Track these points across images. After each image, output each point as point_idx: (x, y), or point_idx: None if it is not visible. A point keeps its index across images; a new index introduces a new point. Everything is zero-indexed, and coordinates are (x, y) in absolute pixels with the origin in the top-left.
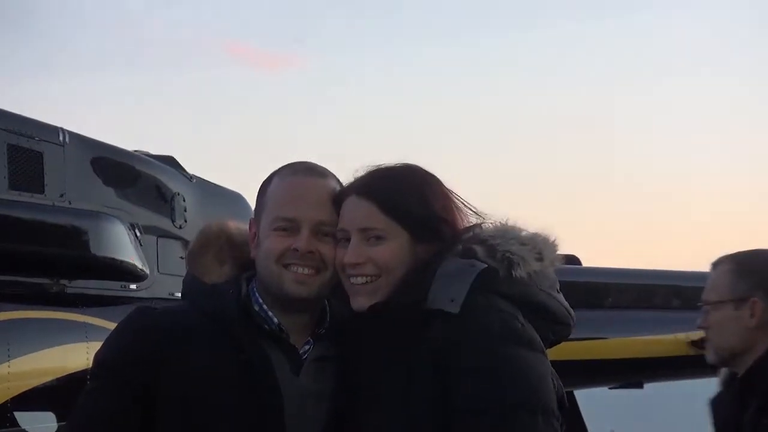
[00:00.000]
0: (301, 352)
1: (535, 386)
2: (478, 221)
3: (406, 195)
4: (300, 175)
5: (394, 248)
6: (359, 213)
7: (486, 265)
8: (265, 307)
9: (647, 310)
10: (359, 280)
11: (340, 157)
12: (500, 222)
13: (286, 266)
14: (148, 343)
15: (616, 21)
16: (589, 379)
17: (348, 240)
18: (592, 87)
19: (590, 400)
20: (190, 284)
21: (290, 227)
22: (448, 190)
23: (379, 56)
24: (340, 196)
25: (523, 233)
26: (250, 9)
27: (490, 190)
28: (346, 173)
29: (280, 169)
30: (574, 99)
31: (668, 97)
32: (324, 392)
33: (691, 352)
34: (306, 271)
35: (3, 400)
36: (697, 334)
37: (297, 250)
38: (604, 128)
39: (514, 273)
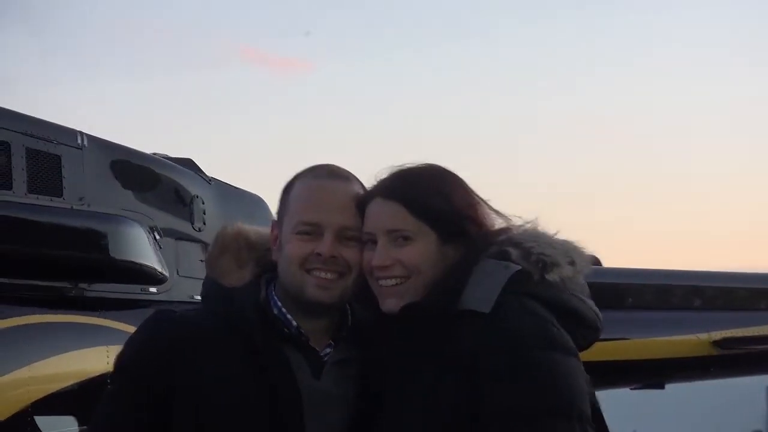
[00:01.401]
0: (321, 354)
1: (570, 392)
2: (503, 223)
3: (432, 195)
4: (322, 178)
5: (422, 249)
6: (385, 215)
7: (520, 267)
8: (284, 310)
9: (669, 311)
10: (388, 282)
11: (357, 157)
12: (529, 225)
13: (308, 271)
14: (165, 347)
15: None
16: (610, 380)
17: (374, 242)
18: (617, 83)
19: (612, 400)
20: (209, 287)
21: (313, 231)
22: (472, 190)
23: (393, 57)
24: (364, 198)
25: (555, 238)
26: (262, 12)
27: (507, 192)
28: (363, 175)
29: (302, 171)
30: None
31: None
32: (345, 395)
33: (714, 352)
34: (329, 275)
35: (24, 405)
36: (719, 334)
37: (320, 255)
38: (626, 126)
39: (547, 276)
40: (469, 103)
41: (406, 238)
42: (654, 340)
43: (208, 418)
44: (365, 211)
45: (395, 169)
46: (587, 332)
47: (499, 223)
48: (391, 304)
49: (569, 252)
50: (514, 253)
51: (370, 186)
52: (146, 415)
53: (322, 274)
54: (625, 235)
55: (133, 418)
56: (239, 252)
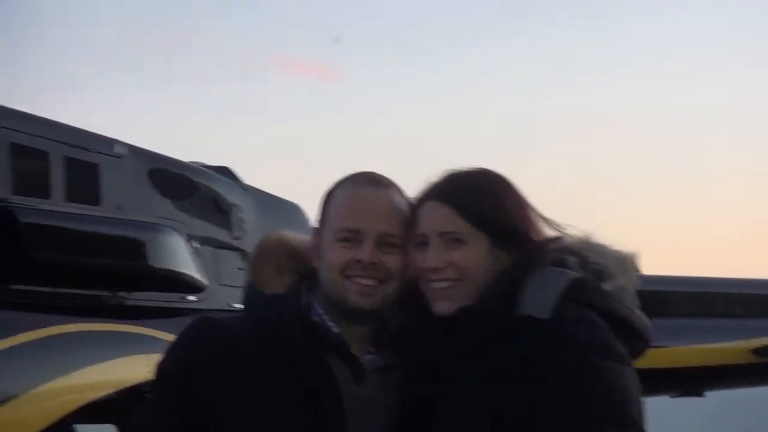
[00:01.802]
0: (362, 361)
1: (625, 401)
2: (554, 231)
3: (484, 199)
4: (363, 186)
5: (474, 252)
6: (438, 217)
7: (578, 275)
8: (324, 317)
9: (709, 318)
10: (441, 284)
11: (392, 163)
12: (583, 235)
13: (349, 277)
14: (206, 354)
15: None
16: (649, 388)
17: (425, 245)
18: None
19: (651, 408)
20: (250, 294)
21: (353, 238)
22: (524, 197)
23: (423, 64)
24: (416, 201)
25: (609, 248)
26: (295, 21)
27: (548, 199)
28: (400, 182)
29: (342, 179)
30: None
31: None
32: (386, 402)
33: (754, 360)
34: (369, 282)
35: (64, 413)
36: (759, 342)
37: (360, 262)
38: (673, 129)
39: (603, 286)
40: (502, 106)
41: (459, 241)
42: (693, 347)
43: (248, 425)
44: (417, 214)
45: (449, 173)
46: (637, 343)
47: (550, 232)
48: (443, 306)
49: (622, 262)
50: (571, 260)
51: (423, 189)
52: (185, 422)
53: (363, 281)
54: (665, 241)
55: (172, 425)
56: (281, 259)
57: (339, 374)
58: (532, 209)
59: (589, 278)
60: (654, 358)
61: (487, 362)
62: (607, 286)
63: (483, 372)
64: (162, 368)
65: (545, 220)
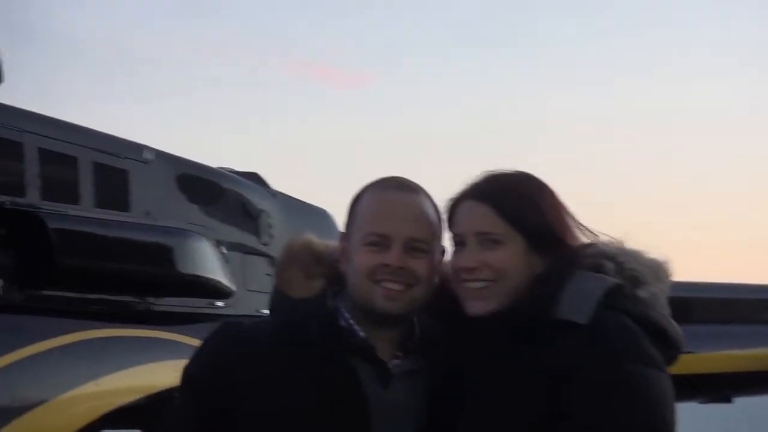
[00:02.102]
0: (389, 366)
1: (662, 408)
2: (590, 236)
3: (522, 201)
4: (391, 190)
5: (510, 253)
6: (475, 217)
7: (616, 281)
8: (351, 321)
9: (736, 324)
10: (475, 284)
11: (418, 171)
12: (616, 242)
13: (376, 281)
14: (232, 359)
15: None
16: (677, 394)
17: (461, 244)
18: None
19: (680, 414)
20: (276, 299)
21: (381, 243)
22: (562, 201)
23: (452, 73)
24: (454, 201)
25: (643, 254)
26: (325, 29)
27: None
28: (427, 186)
29: (370, 184)
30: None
31: None
32: (413, 406)
33: None
34: (397, 286)
35: (92, 419)
36: None
37: (388, 266)
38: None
39: (638, 292)
40: (537, 109)
41: (495, 242)
42: (721, 354)
43: (274, 429)
44: (454, 214)
45: (487, 174)
46: (670, 352)
47: (585, 238)
48: (476, 307)
49: (656, 269)
50: (608, 266)
51: (461, 189)
52: (212, 427)
53: (390, 285)
54: (693, 247)
55: (196, 427)
56: (307, 264)
57: (365, 378)
58: (569, 214)
59: (626, 284)
60: (682, 364)
61: (522, 366)
62: (642, 292)
63: (517, 376)
64: (188, 373)
65: (580, 225)
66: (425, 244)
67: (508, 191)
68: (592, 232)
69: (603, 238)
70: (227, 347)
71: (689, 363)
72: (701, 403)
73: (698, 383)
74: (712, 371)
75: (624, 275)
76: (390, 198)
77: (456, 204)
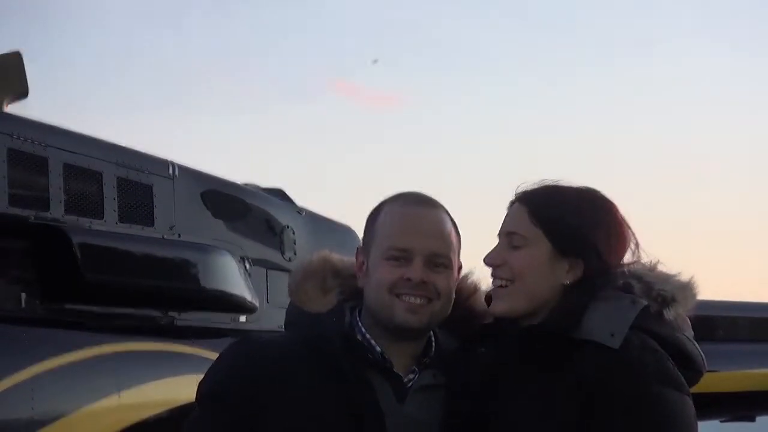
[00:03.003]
0: (405, 380)
1: (683, 429)
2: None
3: (561, 206)
4: (412, 205)
5: (532, 255)
6: (511, 217)
7: (645, 303)
8: (368, 336)
9: (759, 343)
10: (496, 282)
11: (442, 192)
12: (650, 261)
13: (398, 295)
14: (251, 373)
15: None
16: (700, 412)
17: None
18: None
19: None
20: (293, 313)
21: (402, 257)
22: (621, 221)
23: (481, 93)
24: (510, 202)
25: (672, 275)
26: (353, 48)
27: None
28: (453, 208)
29: (389, 198)
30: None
31: None
32: (430, 420)
33: None
34: (418, 300)
35: None
36: None
37: (410, 280)
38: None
39: (665, 314)
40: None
41: (521, 242)
42: (744, 372)
43: None
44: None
45: (547, 182)
46: (692, 374)
47: (634, 259)
48: (495, 306)
49: (683, 290)
50: (636, 286)
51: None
52: None
53: (411, 299)
54: (718, 266)
55: None
56: (324, 279)
57: (382, 393)
58: (620, 234)
59: (653, 306)
60: (705, 382)
61: (550, 385)
62: (668, 314)
63: (545, 394)
64: (205, 389)
65: (636, 248)
66: (446, 259)
67: (551, 196)
68: (641, 255)
69: (643, 259)
70: (245, 362)
71: (712, 381)
72: (723, 421)
73: (721, 402)
74: (735, 390)
75: (651, 296)
76: (411, 213)
77: (510, 205)
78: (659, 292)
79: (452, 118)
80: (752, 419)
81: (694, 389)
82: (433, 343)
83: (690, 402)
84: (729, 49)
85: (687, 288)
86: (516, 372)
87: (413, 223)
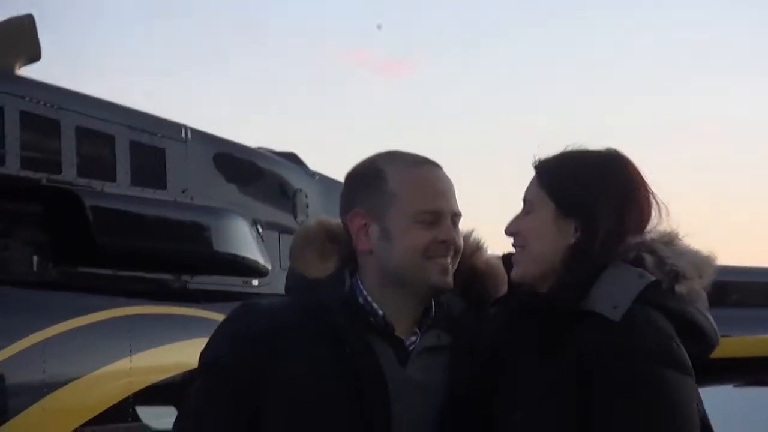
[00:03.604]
0: (407, 343)
1: (682, 412)
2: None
3: (568, 168)
4: (427, 166)
5: (537, 218)
6: (529, 186)
7: (655, 278)
8: (369, 299)
9: None
10: (514, 249)
11: (454, 161)
12: (667, 231)
13: (429, 258)
14: (252, 340)
15: None
16: (713, 377)
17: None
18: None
19: (716, 400)
20: (293, 279)
21: (434, 219)
22: (636, 184)
23: (494, 65)
24: None
25: (690, 248)
26: (368, 17)
27: None
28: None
29: (391, 159)
30: None
31: None
32: (432, 383)
33: None
34: (448, 261)
35: (125, 396)
36: None
37: (444, 242)
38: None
39: (677, 288)
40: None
41: (530, 207)
42: (758, 338)
43: (297, 410)
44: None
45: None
46: (703, 347)
47: (655, 224)
48: (512, 273)
49: (700, 265)
50: (648, 259)
51: None
52: (234, 410)
53: (443, 261)
54: (729, 231)
55: (222, 413)
56: (323, 244)
57: (383, 356)
58: (640, 199)
59: (665, 280)
60: (720, 347)
61: (549, 360)
62: (680, 288)
63: (544, 369)
64: (206, 358)
65: (659, 211)
66: (460, 218)
67: (562, 160)
68: (663, 223)
69: (660, 229)
70: (246, 330)
71: (726, 347)
72: (737, 386)
73: (734, 367)
74: (748, 355)
75: (664, 270)
76: (431, 174)
77: None
78: (672, 267)
79: (463, 84)
80: (766, 384)
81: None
82: (433, 304)
83: (691, 382)
84: None
85: (704, 265)
86: (521, 343)
87: (436, 184)
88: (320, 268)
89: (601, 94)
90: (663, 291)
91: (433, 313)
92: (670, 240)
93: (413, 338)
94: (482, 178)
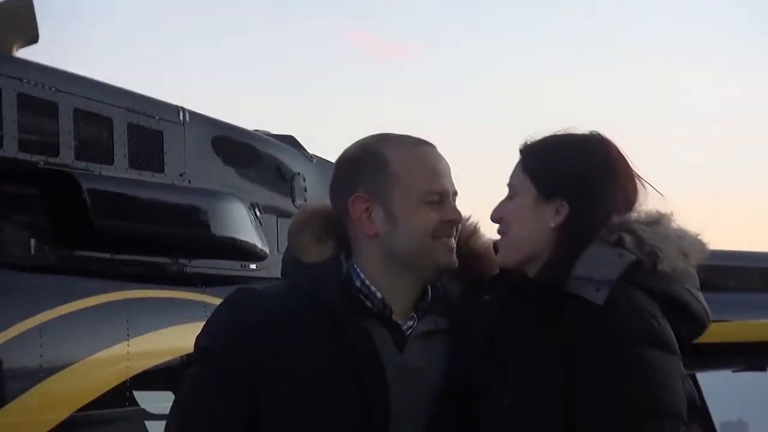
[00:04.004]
0: (404, 327)
1: (665, 391)
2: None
3: (549, 151)
4: (425, 146)
5: (518, 203)
6: (513, 170)
7: (635, 258)
8: (367, 282)
9: None
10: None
11: (451, 142)
12: (652, 211)
13: (437, 238)
14: (249, 325)
15: None
16: (712, 362)
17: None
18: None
19: (716, 386)
20: (290, 263)
21: (439, 200)
22: (615, 164)
23: (494, 47)
24: None
25: (673, 228)
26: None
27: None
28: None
29: (387, 141)
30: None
31: None
32: (430, 368)
33: None
34: (453, 240)
35: (122, 380)
36: None
37: (451, 222)
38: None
39: (659, 267)
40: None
41: (513, 192)
42: (756, 322)
43: (295, 396)
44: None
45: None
46: (692, 326)
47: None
48: (497, 258)
49: (684, 242)
50: (628, 240)
51: None
52: (230, 395)
53: (449, 240)
54: (730, 216)
55: (218, 399)
56: (319, 227)
57: (381, 341)
58: (606, 175)
59: (645, 259)
60: (716, 332)
61: (541, 337)
62: (662, 266)
63: (537, 347)
64: (201, 342)
65: (635, 196)
66: (457, 196)
67: (544, 144)
68: (649, 203)
69: (646, 209)
70: (244, 315)
71: (724, 331)
72: (735, 371)
73: (733, 352)
74: (747, 340)
75: (644, 250)
76: (431, 154)
77: None
78: (652, 247)
79: (465, 68)
80: (763, 369)
81: (705, 339)
82: (429, 288)
83: (675, 361)
84: None
85: (690, 245)
86: (512, 329)
87: (437, 164)
88: (317, 252)
89: (601, 94)
90: (645, 271)
91: (430, 297)
92: (654, 221)
93: (410, 323)
94: (479, 160)
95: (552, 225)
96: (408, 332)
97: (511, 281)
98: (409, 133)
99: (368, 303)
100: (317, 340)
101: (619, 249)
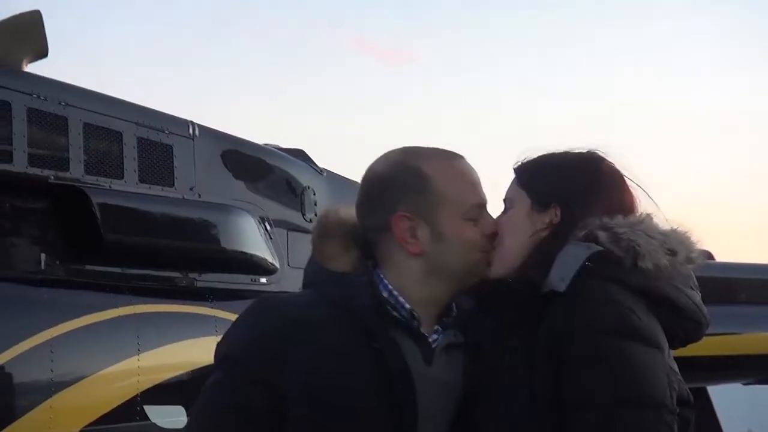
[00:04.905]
0: (430, 340)
1: (645, 382)
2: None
3: (543, 164)
4: (460, 160)
5: (513, 214)
6: (508, 186)
7: (601, 248)
8: (395, 293)
9: None
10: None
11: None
12: (641, 214)
13: (482, 252)
14: (276, 335)
15: None
16: (722, 374)
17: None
18: None
19: (726, 398)
20: (316, 272)
21: (479, 214)
22: (605, 174)
23: (500, 54)
24: None
25: (658, 227)
26: (376, 6)
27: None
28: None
29: (423, 156)
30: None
31: None
32: (454, 381)
33: None
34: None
35: (133, 394)
36: None
37: (490, 235)
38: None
39: (639, 263)
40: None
41: (509, 205)
42: (766, 335)
43: (322, 405)
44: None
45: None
46: (688, 324)
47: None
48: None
49: (671, 241)
50: (601, 235)
51: None
52: (251, 404)
53: (491, 252)
54: (740, 229)
55: (241, 409)
56: (344, 236)
57: (409, 353)
58: (594, 185)
59: (623, 255)
60: (727, 345)
61: (521, 342)
62: (645, 263)
63: (516, 352)
64: (223, 351)
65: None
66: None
67: (540, 161)
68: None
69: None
70: (268, 323)
71: (735, 344)
72: (746, 384)
73: (744, 364)
74: (757, 353)
75: (621, 246)
76: (466, 167)
77: None
78: (629, 243)
79: (467, 74)
80: None
81: (717, 351)
82: (454, 303)
83: (655, 353)
84: None
85: (677, 242)
86: (506, 336)
87: (473, 178)
88: (344, 261)
89: (602, 91)
90: (625, 268)
91: (455, 311)
92: (638, 221)
93: (434, 336)
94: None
95: (543, 234)
96: (434, 345)
97: (500, 291)
98: (436, 146)
99: (395, 313)
100: (344, 351)
101: (588, 243)
